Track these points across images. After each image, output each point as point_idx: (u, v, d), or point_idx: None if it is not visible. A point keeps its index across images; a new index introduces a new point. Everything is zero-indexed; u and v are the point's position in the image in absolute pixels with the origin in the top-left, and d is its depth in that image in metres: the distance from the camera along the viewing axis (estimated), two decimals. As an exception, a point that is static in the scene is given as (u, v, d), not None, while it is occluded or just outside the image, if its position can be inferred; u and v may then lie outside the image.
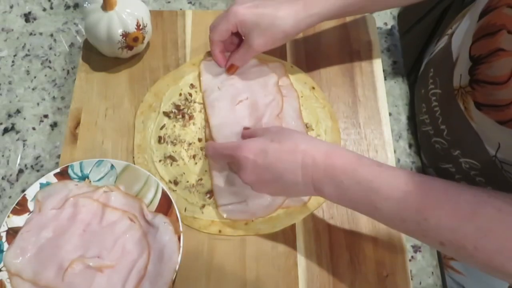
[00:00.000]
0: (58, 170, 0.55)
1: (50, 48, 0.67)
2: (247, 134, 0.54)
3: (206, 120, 0.59)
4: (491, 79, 0.45)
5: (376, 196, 0.43)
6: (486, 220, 0.38)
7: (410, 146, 0.62)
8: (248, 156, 0.47)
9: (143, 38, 0.60)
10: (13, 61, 0.66)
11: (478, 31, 0.47)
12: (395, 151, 0.60)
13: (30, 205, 0.53)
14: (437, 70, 0.57)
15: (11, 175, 0.59)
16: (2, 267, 0.49)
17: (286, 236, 0.54)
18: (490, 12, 0.45)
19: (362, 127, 0.60)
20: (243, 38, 0.58)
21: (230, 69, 0.61)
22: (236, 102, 0.59)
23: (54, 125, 0.62)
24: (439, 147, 0.57)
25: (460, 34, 0.53)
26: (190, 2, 0.71)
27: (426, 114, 0.59)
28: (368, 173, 0.44)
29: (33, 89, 0.64)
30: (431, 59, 0.61)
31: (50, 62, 0.66)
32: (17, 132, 0.61)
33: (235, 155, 0.48)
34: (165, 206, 0.53)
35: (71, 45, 0.68)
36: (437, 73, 0.57)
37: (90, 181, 0.55)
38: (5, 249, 0.50)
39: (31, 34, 0.68)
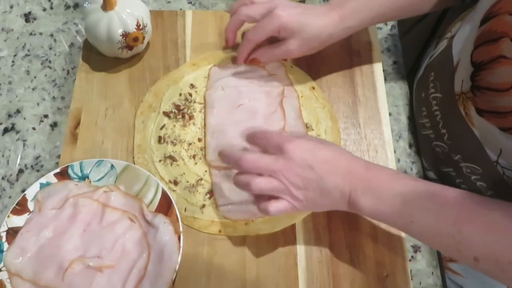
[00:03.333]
0: (58, 170, 0.55)
1: (50, 48, 0.67)
2: (261, 136, 0.51)
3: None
4: (493, 86, 0.45)
5: (412, 208, 0.44)
6: None
7: (410, 146, 0.62)
8: (297, 151, 0.47)
9: (143, 38, 0.60)
10: (13, 61, 0.66)
11: (479, 37, 0.47)
12: (395, 151, 0.60)
13: (30, 205, 0.53)
14: (437, 74, 0.57)
15: (11, 175, 0.59)
16: (2, 267, 0.49)
17: (286, 236, 0.54)
18: (492, 19, 0.45)
19: (362, 127, 0.60)
20: (279, 40, 0.58)
21: (253, 61, 0.61)
22: (236, 105, 0.60)
23: (54, 125, 0.62)
24: (440, 151, 0.56)
25: (460, 39, 0.53)
26: (190, 2, 0.71)
27: (426, 117, 0.59)
28: (406, 187, 0.46)
29: (33, 89, 0.64)
30: (431, 63, 0.61)
31: (50, 62, 0.66)
32: (17, 132, 0.61)
33: (285, 147, 0.47)
34: (165, 206, 0.53)
35: (71, 45, 0.68)
36: (438, 77, 0.57)
37: (90, 181, 0.55)
38: (5, 249, 0.50)
39: (31, 34, 0.68)
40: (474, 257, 0.41)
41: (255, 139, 0.52)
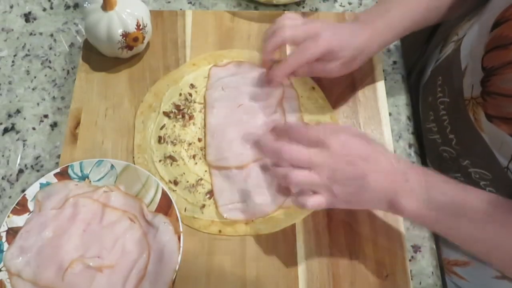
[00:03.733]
0: (58, 170, 0.55)
1: (50, 48, 0.67)
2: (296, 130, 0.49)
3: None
4: (504, 91, 0.45)
5: (461, 208, 0.44)
6: None
7: (410, 146, 0.62)
8: (340, 146, 0.45)
9: (143, 38, 0.60)
10: (13, 61, 0.66)
11: (490, 42, 0.47)
12: (395, 151, 0.60)
13: (30, 205, 0.53)
14: (445, 78, 0.57)
15: (11, 175, 0.59)
16: (2, 267, 0.49)
17: (286, 236, 0.54)
18: (503, 24, 0.45)
19: (362, 127, 0.60)
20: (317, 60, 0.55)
21: (286, 77, 0.57)
22: (237, 105, 0.60)
23: (54, 125, 0.62)
24: (447, 156, 0.56)
25: (469, 43, 0.52)
26: (190, 2, 0.71)
27: (433, 122, 0.58)
28: (455, 189, 0.46)
29: (33, 89, 0.64)
30: (438, 67, 0.60)
31: (50, 62, 0.66)
32: (17, 132, 0.61)
33: (328, 141, 0.45)
34: (165, 206, 0.53)
35: (71, 45, 0.68)
36: (446, 82, 0.56)
37: (90, 181, 0.55)
38: (5, 249, 0.50)
39: (31, 34, 0.68)
40: None
41: (290, 132, 0.48)
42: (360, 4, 0.72)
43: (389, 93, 0.65)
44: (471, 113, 0.50)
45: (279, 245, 0.53)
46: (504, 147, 0.47)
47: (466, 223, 0.44)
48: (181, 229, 0.51)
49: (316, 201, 0.46)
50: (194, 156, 0.58)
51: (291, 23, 0.55)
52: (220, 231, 0.54)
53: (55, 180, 0.54)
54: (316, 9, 0.71)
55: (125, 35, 0.58)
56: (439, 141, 0.57)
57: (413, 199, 0.45)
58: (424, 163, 0.62)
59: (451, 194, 0.45)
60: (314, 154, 0.45)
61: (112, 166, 0.55)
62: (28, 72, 0.66)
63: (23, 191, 0.55)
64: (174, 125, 0.59)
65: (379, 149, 0.47)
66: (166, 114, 0.60)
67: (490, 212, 0.44)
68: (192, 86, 0.62)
